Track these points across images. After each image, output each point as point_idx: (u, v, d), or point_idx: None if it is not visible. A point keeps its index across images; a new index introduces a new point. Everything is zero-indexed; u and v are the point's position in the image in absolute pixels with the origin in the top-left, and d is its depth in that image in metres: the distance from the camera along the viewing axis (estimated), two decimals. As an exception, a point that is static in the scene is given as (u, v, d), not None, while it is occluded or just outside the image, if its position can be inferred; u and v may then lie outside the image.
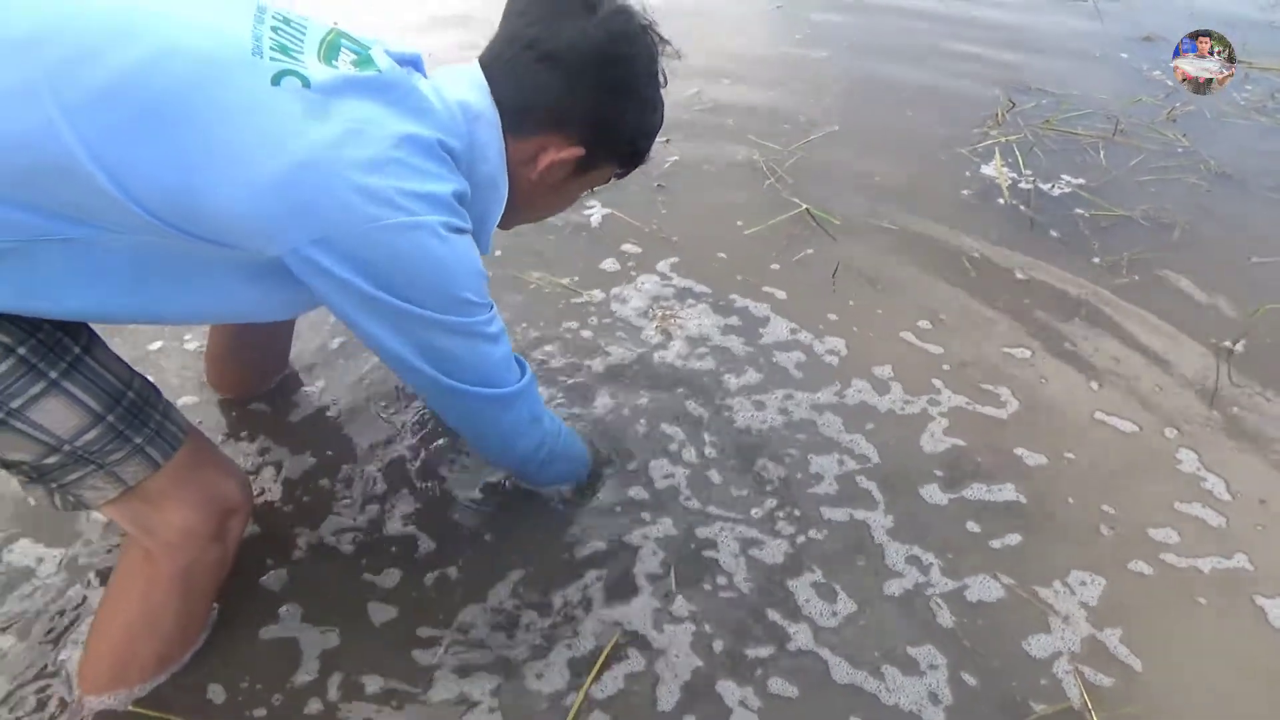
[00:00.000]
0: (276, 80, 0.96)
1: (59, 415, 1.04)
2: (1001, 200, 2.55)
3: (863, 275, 2.23)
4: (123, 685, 1.27)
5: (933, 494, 1.65)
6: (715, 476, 1.68)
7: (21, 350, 1.00)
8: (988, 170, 2.71)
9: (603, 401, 1.83)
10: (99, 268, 0.98)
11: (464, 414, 1.23)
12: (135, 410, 1.10)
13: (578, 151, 1.23)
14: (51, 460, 1.06)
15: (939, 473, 1.69)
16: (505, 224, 1.31)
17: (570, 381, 1.89)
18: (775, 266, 2.25)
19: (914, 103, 3.08)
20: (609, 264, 2.25)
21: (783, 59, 3.42)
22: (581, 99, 1.19)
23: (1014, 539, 1.57)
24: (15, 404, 1.00)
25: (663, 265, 2.25)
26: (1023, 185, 2.63)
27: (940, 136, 2.87)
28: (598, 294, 2.15)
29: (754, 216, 2.44)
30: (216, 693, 1.31)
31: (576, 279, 2.19)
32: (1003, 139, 2.85)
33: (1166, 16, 3.80)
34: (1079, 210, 2.51)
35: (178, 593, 1.24)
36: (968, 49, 3.51)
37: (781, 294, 2.15)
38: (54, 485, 1.09)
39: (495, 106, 1.18)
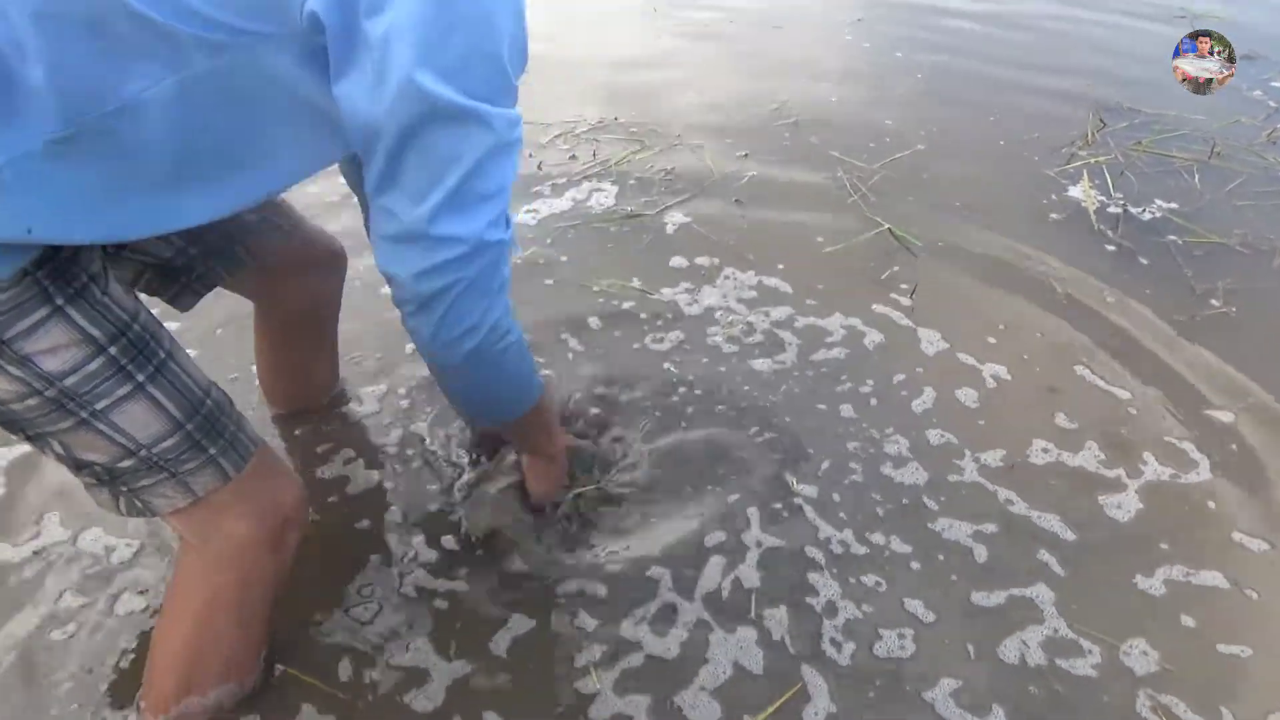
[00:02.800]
0: None
1: (141, 420, 1.03)
2: (1090, 224, 2.49)
3: (945, 297, 2.20)
4: (185, 707, 1.24)
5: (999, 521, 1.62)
6: (795, 506, 1.67)
7: (112, 350, 1.00)
8: (1075, 192, 2.64)
9: (659, 403, 1.84)
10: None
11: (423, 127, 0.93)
12: (212, 419, 1.10)
13: None
14: (126, 464, 1.05)
15: (1015, 506, 1.66)
16: None
17: (627, 369, 1.91)
18: (854, 285, 2.24)
19: (1001, 121, 3.03)
20: (682, 273, 2.27)
21: (864, 73, 3.39)
22: None
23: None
24: (100, 405, 1.00)
25: (737, 278, 2.25)
26: (1112, 209, 2.57)
27: (1027, 157, 2.82)
28: (666, 293, 2.18)
29: (834, 234, 2.43)
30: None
31: (647, 284, 2.21)
32: (1092, 160, 2.79)
33: (1267, 33, 3.67)
34: (1172, 236, 2.44)
35: (235, 604, 1.22)
36: (1057, 66, 3.43)
37: (858, 315, 2.13)
38: (123, 489, 1.08)
39: None
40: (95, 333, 0.99)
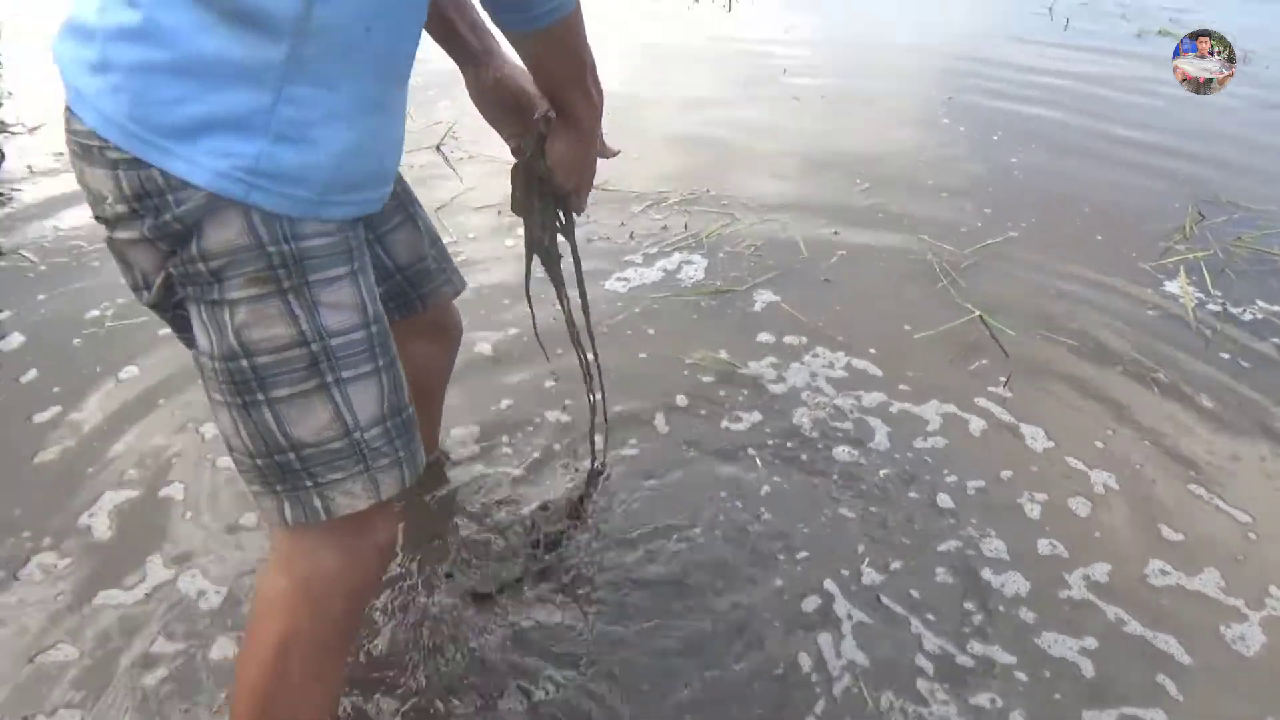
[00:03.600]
0: None
1: (368, 400, 1.04)
2: (1189, 322, 2.44)
3: (1044, 392, 2.16)
4: None
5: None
6: (883, 604, 1.63)
7: (373, 328, 1.04)
8: (1173, 288, 2.60)
9: (742, 478, 1.82)
10: None
11: None
12: (408, 425, 1.11)
13: None
14: (336, 445, 1.04)
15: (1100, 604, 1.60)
16: None
17: (713, 448, 1.90)
18: (946, 373, 2.21)
19: (1095, 209, 3.00)
20: (769, 349, 2.26)
21: (957, 155, 3.40)
22: None
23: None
24: (347, 374, 1.02)
25: (825, 357, 2.24)
26: (1211, 306, 2.51)
27: (1122, 248, 2.78)
28: (754, 367, 2.18)
29: (924, 319, 2.41)
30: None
31: (734, 357, 2.21)
32: (1190, 255, 2.74)
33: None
34: (1275, 339, 2.38)
35: (311, 646, 1.16)
36: (1155, 152, 3.41)
37: (953, 403, 2.10)
38: (310, 484, 1.05)
39: None
40: (369, 306, 1.04)
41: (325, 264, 0.98)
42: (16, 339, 2.20)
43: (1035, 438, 2.01)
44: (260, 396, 1.00)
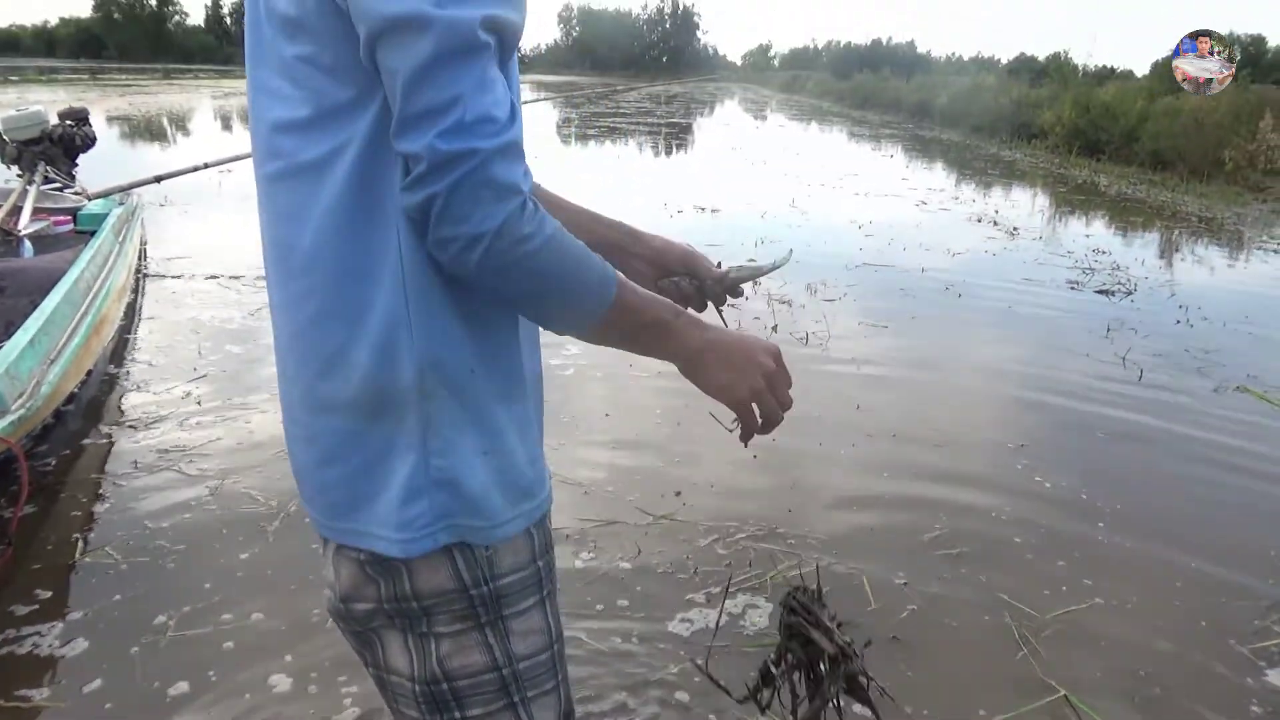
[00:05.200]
0: None
1: (549, 713, 1.09)
2: (1298, 722, 2.24)
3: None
4: None
5: None
6: None
7: (556, 647, 1.10)
8: (1274, 678, 2.41)
9: None
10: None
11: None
12: (560, 656, 1.13)
13: None
14: (486, 677, 1.05)
15: None
16: None
17: None
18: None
19: (1185, 577, 2.87)
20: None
21: (1036, 508, 3.32)
22: None
23: None
24: (532, 693, 1.07)
25: (901, 741, 2.10)
26: (1323, 705, 2.31)
27: (1215, 627, 2.62)
28: None
29: (1002, 698, 2.26)
30: None
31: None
32: (1291, 641, 2.57)
33: None
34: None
35: None
36: (1243, 527, 3.30)
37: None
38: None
39: None
40: (553, 628, 1.09)
41: (518, 598, 1.05)
42: (81, 644, 2.23)
43: None
44: (456, 715, 1.06)
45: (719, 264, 1.33)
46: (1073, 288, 7.04)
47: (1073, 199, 13.00)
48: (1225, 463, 3.83)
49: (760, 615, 2.55)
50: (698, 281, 1.29)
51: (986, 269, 7.55)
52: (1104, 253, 8.53)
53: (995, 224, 9.98)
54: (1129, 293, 6.91)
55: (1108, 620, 2.63)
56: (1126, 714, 2.23)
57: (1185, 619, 2.67)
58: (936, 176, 15.38)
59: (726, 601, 2.61)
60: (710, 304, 1.31)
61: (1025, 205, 12.28)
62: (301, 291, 0.96)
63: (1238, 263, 9.05)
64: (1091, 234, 9.86)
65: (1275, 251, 9.56)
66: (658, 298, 1.05)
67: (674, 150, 18.81)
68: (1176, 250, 9.48)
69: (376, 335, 0.94)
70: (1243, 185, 14.37)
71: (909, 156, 19.29)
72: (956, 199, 12.17)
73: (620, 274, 1.00)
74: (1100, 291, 6.91)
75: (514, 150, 0.88)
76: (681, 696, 2.21)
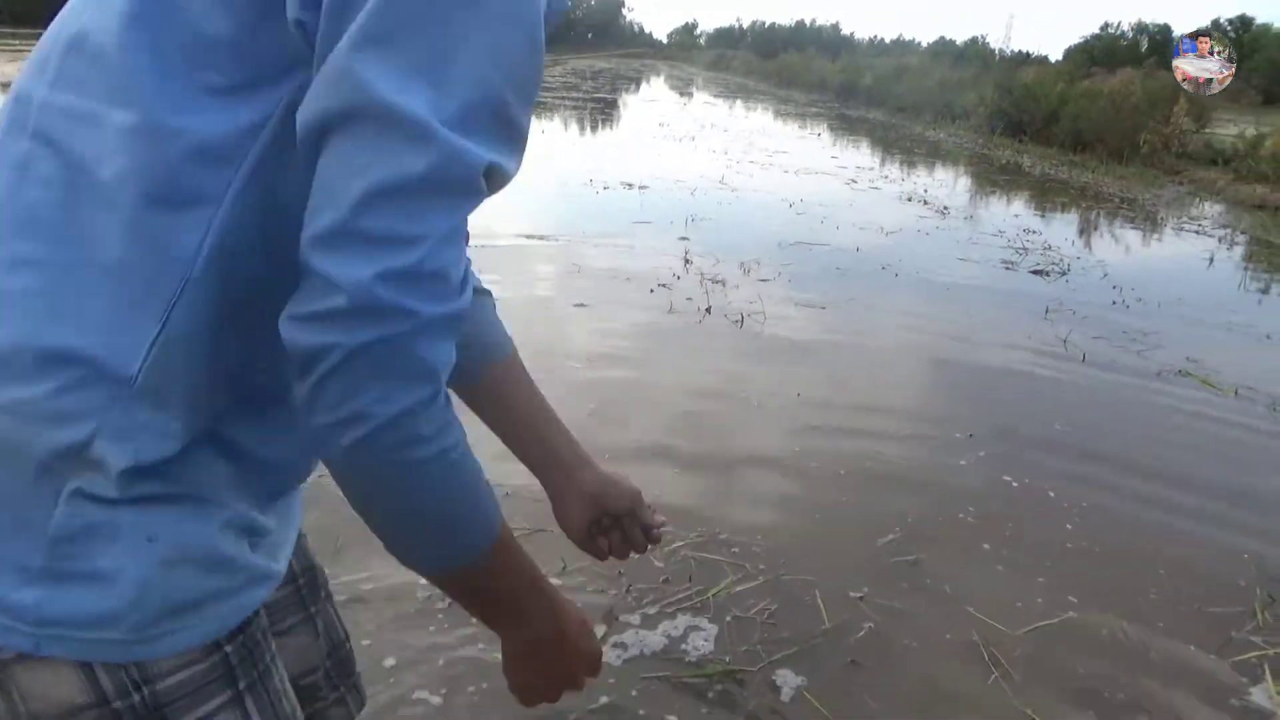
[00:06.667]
0: None
1: None
2: (1289, 747, 2.05)
3: None
4: None
5: None
6: None
7: (227, 648, 0.81)
8: (1259, 696, 2.22)
9: None
10: None
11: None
12: None
13: None
14: None
15: None
16: None
17: None
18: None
19: (1157, 585, 2.67)
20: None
21: (1002, 512, 3.07)
22: None
23: None
24: None
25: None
26: (1311, 726, 2.13)
27: (1192, 639, 2.42)
28: None
29: (977, 728, 2.02)
30: None
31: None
32: (1271, 651, 2.38)
33: None
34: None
35: None
36: (1212, 521, 3.13)
37: None
38: None
39: None
40: None
41: (194, 701, 0.77)
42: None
43: None
44: None
45: (661, 524, 1.21)
46: (1008, 268, 6.93)
47: (998, 179, 13.05)
48: (1185, 459, 3.68)
49: (704, 639, 2.25)
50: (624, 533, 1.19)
51: (921, 249, 7.39)
52: (1034, 232, 8.49)
53: (925, 203, 9.88)
54: (1063, 273, 6.83)
55: (1080, 636, 2.40)
56: (1109, 744, 2.01)
57: (1160, 633, 2.46)
58: (864, 155, 15.32)
59: (664, 623, 2.31)
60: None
61: (952, 185, 12.26)
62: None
63: (1163, 244, 9.13)
64: (1019, 215, 9.85)
65: (1195, 233, 9.69)
66: (532, 571, 0.87)
67: (600, 126, 18.35)
68: (1103, 231, 9.53)
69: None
70: (1159, 168, 14.66)
71: (836, 135, 19.25)
72: (885, 177, 12.08)
73: (506, 530, 0.81)
74: (1035, 272, 6.82)
75: (455, 326, 0.69)
76: (615, 744, 1.90)
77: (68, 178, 0.70)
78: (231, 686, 0.80)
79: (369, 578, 2.31)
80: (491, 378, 1.11)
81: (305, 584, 1.09)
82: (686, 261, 6.13)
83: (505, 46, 0.68)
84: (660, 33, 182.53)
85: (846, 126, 21.52)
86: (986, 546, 2.82)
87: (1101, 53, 65.54)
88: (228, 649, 0.80)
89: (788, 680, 2.13)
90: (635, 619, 2.31)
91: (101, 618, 0.71)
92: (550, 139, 14.41)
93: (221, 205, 0.69)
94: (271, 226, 0.71)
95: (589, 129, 17.37)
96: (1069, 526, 2.98)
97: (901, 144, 17.91)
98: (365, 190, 0.63)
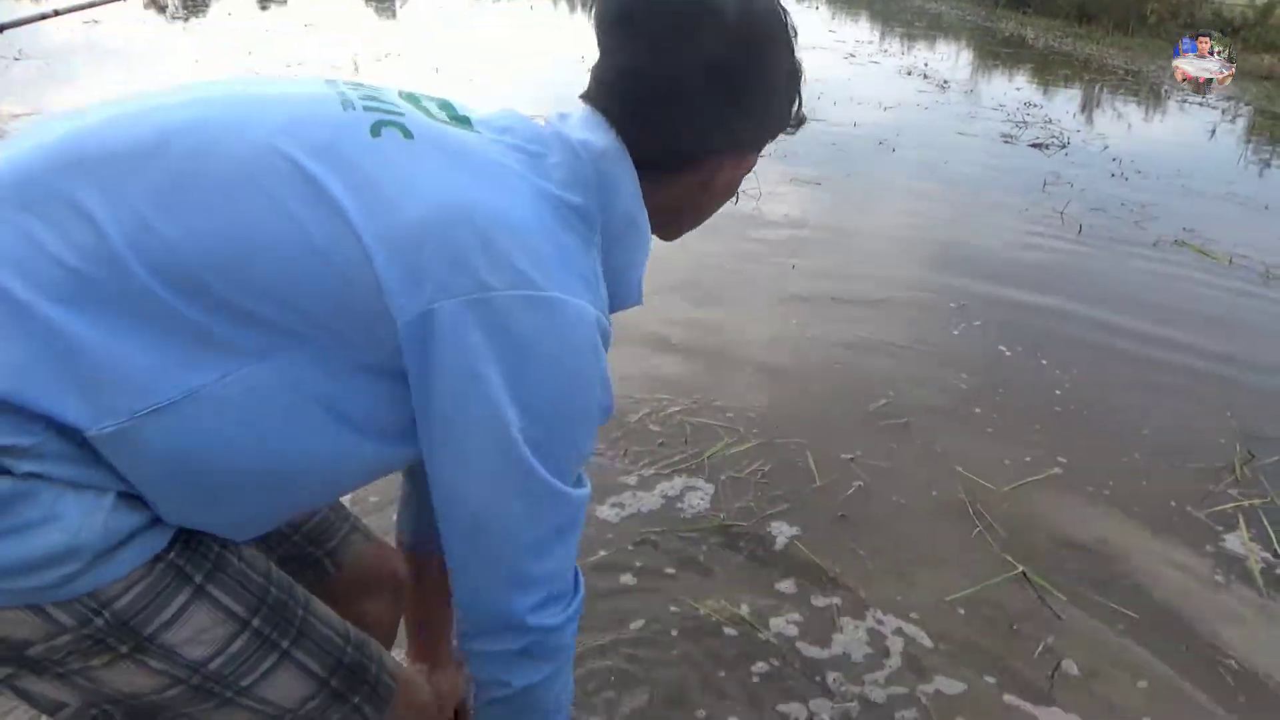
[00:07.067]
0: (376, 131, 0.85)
1: (288, 687, 0.94)
2: (1258, 587, 2.14)
3: (1089, 672, 1.85)
4: None
5: None
6: None
7: (255, 622, 0.90)
8: (1232, 543, 2.31)
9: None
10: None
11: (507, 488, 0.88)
12: (354, 668, 1.00)
13: (748, 162, 1.05)
14: (170, 693, 0.89)
15: None
16: (668, 238, 1.12)
17: None
18: (984, 647, 1.89)
19: (1141, 445, 2.73)
20: (790, 601, 1.97)
21: (989, 375, 3.12)
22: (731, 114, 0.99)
23: None
24: (246, 682, 0.91)
25: (852, 621, 1.93)
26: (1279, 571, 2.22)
27: (1173, 494, 2.50)
28: (775, 624, 1.89)
29: (958, 574, 2.11)
30: None
31: (754, 615, 1.91)
32: (1246, 503, 2.47)
33: None
34: (1359, 614, 2.07)
35: None
36: (1197, 377, 3.19)
37: (991, 678, 1.78)
38: None
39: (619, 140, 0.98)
40: (238, 608, 0.89)
41: (154, 610, 0.83)
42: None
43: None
44: (174, 714, 0.90)
45: None
46: (1006, 141, 6.83)
47: (1001, 52, 12.71)
48: (1176, 323, 3.72)
49: (699, 498, 2.32)
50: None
51: (919, 123, 7.26)
52: (1035, 106, 8.33)
53: (925, 77, 9.65)
54: (1062, 146, 6.73)
55: (1066, 490, 2.48)
56: (1086, 588, 2.10)
57: (1143, 485, 2.54)
58: (863, 30, 14.86)
59: (661, 484, 2.37)
60: None
61: (954, 58, 11.94)
62: None
63: (1166, 117, 8.95)
64: (1021, 88, 9.63)
65: (1199, 104, 9.49)
66: None
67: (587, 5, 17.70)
68: (1105, 104, 9.33)
69: None
70: (1165, 38, 14.25)
71: (834, 9, 18.62)
72: (885, 51, 11.77)
73: None
74: (1034, 145, 6.72)
75: (576, 619, 0.97)
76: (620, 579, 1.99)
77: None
78: (188, 583, 0.86)
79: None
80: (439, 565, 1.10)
81: None
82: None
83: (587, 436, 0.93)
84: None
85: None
86: (977, 410, 2.88)
87: (1112, -82, 62.64)
88: (170, 556, 0.85)
89: (781, 531, 2.21)
90: (632, 480, 2.37)
91: (30, 565, 0.75)
92: (539, 15, 13.95)
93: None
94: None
95: (577, 7, 16.77)
96: (1058, 392, 3.03)
97: (902, 17, 17.34)
98: (529, 544, 0.89)
